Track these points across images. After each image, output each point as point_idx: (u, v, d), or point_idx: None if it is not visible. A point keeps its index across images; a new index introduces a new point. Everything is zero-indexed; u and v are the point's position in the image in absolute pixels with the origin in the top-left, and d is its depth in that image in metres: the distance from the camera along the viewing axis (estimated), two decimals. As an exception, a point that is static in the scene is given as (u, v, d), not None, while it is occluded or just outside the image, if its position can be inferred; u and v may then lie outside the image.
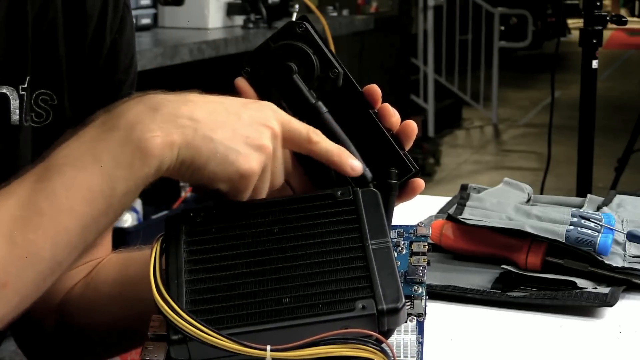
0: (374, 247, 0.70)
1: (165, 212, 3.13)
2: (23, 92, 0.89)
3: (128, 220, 3.00)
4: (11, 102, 0.89)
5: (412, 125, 0.82)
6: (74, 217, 0.69)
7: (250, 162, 0.71)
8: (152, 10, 3.59)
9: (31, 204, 0.68)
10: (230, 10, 3.75)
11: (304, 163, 0.83)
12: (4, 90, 0.88)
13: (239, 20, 3.76)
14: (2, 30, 0.88)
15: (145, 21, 3.52)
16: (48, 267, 0.70)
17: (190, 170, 0.71)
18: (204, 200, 0.75)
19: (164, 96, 0.72)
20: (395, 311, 0.66)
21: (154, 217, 3.12)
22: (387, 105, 0.82)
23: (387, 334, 0.66)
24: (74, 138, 0.71)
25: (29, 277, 0.69)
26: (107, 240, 1.02)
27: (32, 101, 0.90)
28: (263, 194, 0.74)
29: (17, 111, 0.89)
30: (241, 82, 0.82)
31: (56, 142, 0.72)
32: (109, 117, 0.71)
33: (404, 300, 0.66)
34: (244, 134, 0.71)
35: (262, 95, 0.82)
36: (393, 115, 0.82)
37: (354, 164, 0.77)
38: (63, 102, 0.92)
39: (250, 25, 3.67)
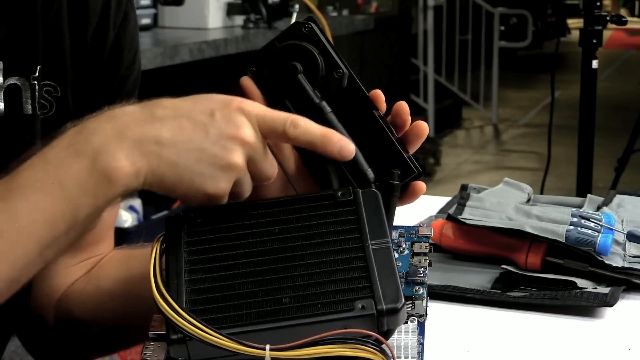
0: (374, 247, 0.70)
1: (165, 212, 3.13)
2: (34, 82, 0.90)
3: (128, 220, 3.00)
4: (23, 92, 0.89)
5: (423, 126, 0.82)
6: (34, 239, 0.69)
7: (218, 184, 0.70)
8: (152, 10, 3.59)
9: None
10: (230, 10, 3.75)
11: (308, 163, 0.83)
12: (15, 81, 0.89)
13: (239, 20, 3.76)
14: (13, 20, 0.89)
15: (145, 21, 3.53)
16: (4, 286, 0.70)
17: (160, 191, 0.71)
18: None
19: (132, 114, 0.71)
20: (395, 311, 0.66)
21: (154, 217, 3.12)
22: (402, 104, 0.82)
23: (387, 334, 0.66)
24: (39, 157, 0.71)
25: None
26: (109, 237, 1.03)
27: (37, 94, 0.90)
28: (245, 195, 0.74)
29: (29, 101, 0.90)
30: (246, 82, 0.82)
31: (23, 155, 0.72)
32: (76, 139, 0.71)
33: (403, 300, 0.66)
34: (212, 153, 0.70)
35: (267, 94, 0.82)
36: (406, 114, 0.82)
37: (341, 149, 0.73)
38: (66, 95, 0.92)
39: (250, 25, 3.68)
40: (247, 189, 0.73)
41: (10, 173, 0.71)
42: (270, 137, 0.73)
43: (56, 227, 0.69)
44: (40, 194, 0.69)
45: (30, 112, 0.89)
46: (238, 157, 0.71)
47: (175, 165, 0.70)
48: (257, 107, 0.73)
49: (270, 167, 0.74)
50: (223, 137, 0.70)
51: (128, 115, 0.71)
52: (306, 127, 0.73)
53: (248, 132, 0.71)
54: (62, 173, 0.69)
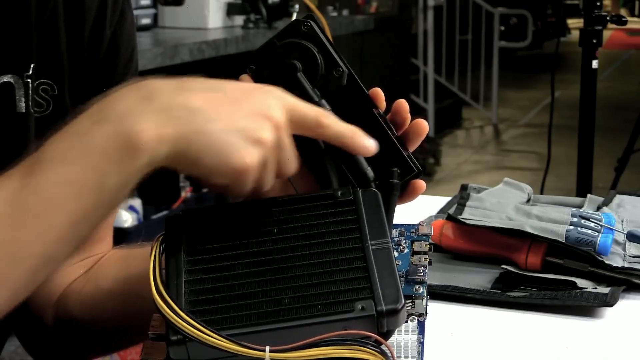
0: (373, 247, 0.70)
1: (165, 212, 3.13)
2: (28, 80, 0.89)
3: (128, 220, 3.00)
4: (16, 90, 0.89)
5: (423, 124, 0.82)
6: (63, 213, 0.67)
7: (246, 157, 0.68)
8: (152, 10, 3.59)
9: (18, 200, 0.67)
10: (230, 10, 3.75)
11: (308, 161, 0.83)
12: (8, 79, 0.89)
13: (239, 20, 3.76)
14: (6, 18, 0.88)
15: (145, 21, 3.53)
16: (39, 262, 0.68)
17: (184, 163, 0.68)
18: (204, 201, 0.75)
19: (161, 83, 0.70)
20: (395, 312, 0.66)
21: (154, 217, 3.13)
22: (401, 102, 0.82)
23: (387, 334, 0.66)
24: (64, 129, 0.69)
25: (18, 272, 0.68)
26: (108, 236, 1.02)
27: (32, 90, 0.90)
28: (267, 185, 0.71)
29: (23, 99, 0.89)
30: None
31: (50, 132, 0.70)
32: (100, 106, 0.69)
33: (403, 301, 0.66)
34: (242, 126, 0.68)
35: None
36: (406, 111, 0.82)
37: (367, 144, 0.74)
38: (63, 93, 0.92)
39: (250, 25, 3.68)
40: (270, 176, 0.71)
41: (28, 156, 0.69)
42: (298, 129, 0.72)
43: (84, 200, 0.67)
44: (65, 166, 0.67)
45: (23, 111, 0.89)
46: (268, 134, 0.69)
47: (203, 133, 0.67)
48: (290, 96, 0.72)
49: (292, 160, 0.72)
50: (255, 112, 0.69)
51: (157, 83, 0.70)
52: (336, 128, 0.73)
53: (279, 114, 0.70)
54: (86, 142, 0.67)
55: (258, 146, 0.68)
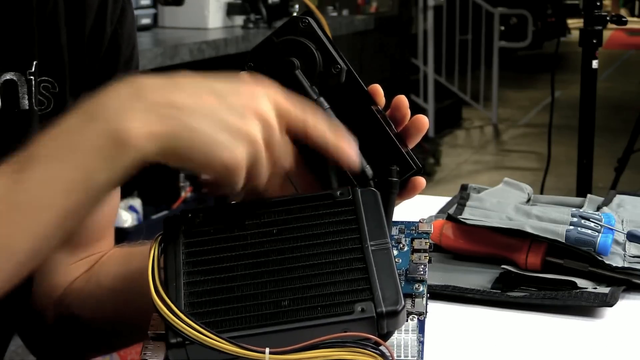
0: (373, 248, 0.69)
1: (165, 212, 3.13)
2: (30, 77, 0.90)
3: (128, 220, 3.00)
4: (19, 87, 0.89)
5: (423, 120, 0.82)
6: (51, 210, 0.68)
7: (235, 153, 0.68)
8: (152, 10, 3.59)
9: (8, 197, 0.68)
10: (230, 10, 3.75)
11: (308, 160, 0.83)
12: (11, 76, 0.89)
13: (239, 20, 3.76)
14: (7, 15, 0.89)
15: (145, 21, 3.53)
16: (26, 258, 0.69)
17: (174, 160, 0.69)
18: (204, 201, 0.75)
19: (150, 80, 0.70)
20: (395, 314, 0.65)
21: (154, 217, 3.13)
22: (401, 98, 0.82)
23: (387, 336, 0.66)
24: (55, 126, 0.70)
25: (4, 267, 0.68)
26: (110, 234, 1.02)
27: (35, 87, 0.90)
28: (261, 180, 0.72)
29: (26, 96, 0.89)
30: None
31: (43, 129, 0.71)
32: (90, 104, 0.70)
33: (403, 302, 0.66)
34: (230, 122, 0.68)
35: None
36: (405, 107, 0.82)
37: (350, 157, 0.74)
38: (64, 91, 0.92)
39: (250, 25, 3.68)
40: (263, 171, 0.71)
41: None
42: (287, 122, 0.72)
43: (73, 197, 0.68)
44: (54, 162, 0.68)
45: (27, 107, 0.89)
46: (254, 128, 0.69)
47: (193, 130, 0.67)
48: (282, 95, 0.72)
49: (286, 156, 0.73)
50: (244, 109, 0.69)
51: (147, 80, 0.70)
52: (323, 124, 0.73)
53: (266, 108, 0.70)
54: (75, 139, 0.68)
55: (247, 141, 0.69)
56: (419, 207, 1.09)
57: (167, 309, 0.66)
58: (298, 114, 0.72)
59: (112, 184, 0.69)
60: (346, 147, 0.74)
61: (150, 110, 0.68)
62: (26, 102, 0.89)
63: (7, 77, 0.88)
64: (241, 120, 0.69)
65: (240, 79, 0.74)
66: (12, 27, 0.89)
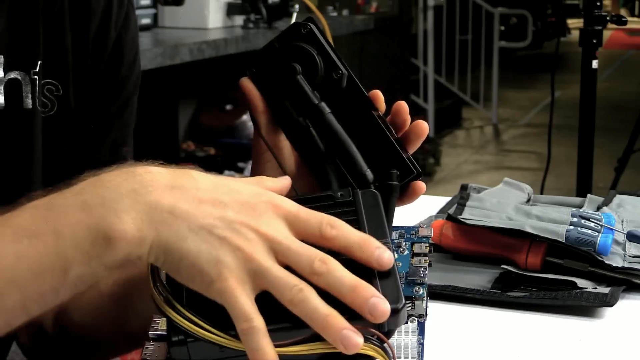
0: (373, 247, 0.69)
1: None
2: (35, 77, 0.90)
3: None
4: (23, 86, 0.89)
5: (423, 125, 0.82)
6: (18, 288, 0.63)
7: (224, 274, 0.63)
8: (152, 10, 3.59)
9: None
10: (230, 10, 3.75)
11: (308, 163, 0.83)
12: (16, 75, 0.89)
13: (239, 20, 3.76)
14: (14, 14, 0.89)
15: (145, 21, 3.53)
16: None
17: (166, 268, 0.65)
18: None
19: (155, 175, 0.66)
20: (395, 312, 0.65)
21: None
22: (401, 104, 0.82)
23: (387, 335, 0.66)
24: (46, 200, 0.66)
25: None
26: None
27: (38, 89, 0.91)
28: (281, 290, 0.64)
29: (30, 96, 0.89)
30: (246, 83, 0.84)
31: (36, 194, 0.67)
32: (87, 189, 0.66)
33: (404, 301, 0.66)
34: (221, 234, 0.64)
35: (266, 96, 0.83)
36: (405, 113, 0.82)
37: (380, 256, 0.66)
38: (68, 94, 0.93)
39: (250, 25, 3.68)
40: (274, 281, 0.64)
41: (15, 207, 0.66)
42: (304, 236, 0.66)
43: (42, 281, 0.63)
44: (32, 239, 0.63)
45: (30, 107, 0.90)
46: (257, 250, 0.64)
47: (182, 241, 0.63)
48: (291, 205, 0.67)
49: (308, 250, 0.65)
50: (238, 222, 0.64)
51: (149, 175, 0.66)
52: (343, 230, 0.67)
53: (276, 229, 0.65)
54: (61, 222, 0.64)
55: (241, 260, 0.64)
56: (419, 207, 1.09)
57: (169, 306, 0.66)
58: (313, 219, 0.67)
59: (89, 278, 0.65)
60: (372, 246, 0.67)
61: (145, 213, 0.64)
62: (30, 101, 0.90)
63: (12, 76, 0.89)
64: (233, 233, 0.64)
65: (247, 186, 0.68)
66: (18, 26, 0.89)
